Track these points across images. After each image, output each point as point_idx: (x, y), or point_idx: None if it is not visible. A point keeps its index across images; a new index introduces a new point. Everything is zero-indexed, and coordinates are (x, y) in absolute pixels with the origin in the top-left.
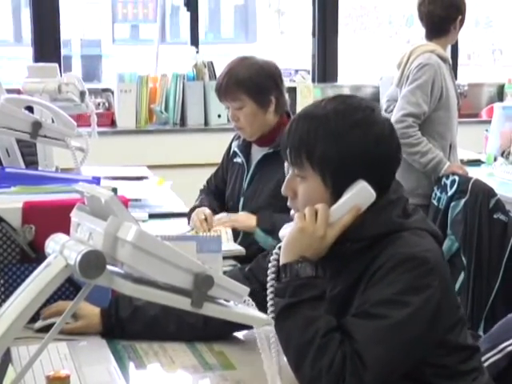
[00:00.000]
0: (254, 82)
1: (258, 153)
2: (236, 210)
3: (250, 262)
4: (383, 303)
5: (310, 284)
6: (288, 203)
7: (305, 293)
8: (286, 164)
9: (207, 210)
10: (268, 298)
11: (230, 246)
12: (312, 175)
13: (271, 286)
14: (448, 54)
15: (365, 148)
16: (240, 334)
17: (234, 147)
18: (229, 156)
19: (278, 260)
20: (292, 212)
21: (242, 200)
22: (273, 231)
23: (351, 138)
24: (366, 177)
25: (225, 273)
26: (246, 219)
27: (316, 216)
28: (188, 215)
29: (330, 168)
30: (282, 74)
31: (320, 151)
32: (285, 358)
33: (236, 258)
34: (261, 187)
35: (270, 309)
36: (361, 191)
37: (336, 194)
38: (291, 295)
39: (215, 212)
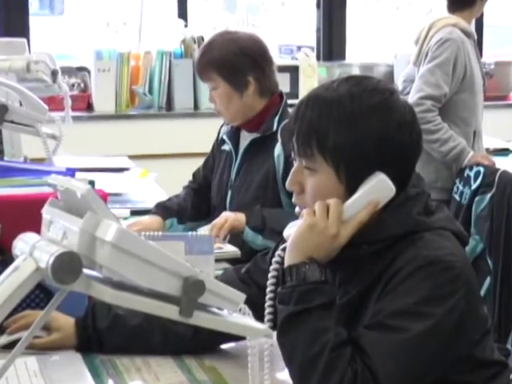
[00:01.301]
0: (226, 62)
1: (246, 140)
2: (223, 205)
3: (243, 264)
4: (401, 314)
5: (319, 290)
6: (293, 199)
7: (313, 300)
8: (275, 149)
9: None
10: (266, 305)
11: (225, 246)
12: (323, 167)
13: (271, 291)
14: (472, 28)
15: (384, 136)
16: (234, 347)
17: (223, 133)
18: (218, 143)
19: (280, 263)
20: (297, 209)
21: (229, 193)
22: (263, 229)
23: (368, 125)
24: (384, 169)
25: (217, 277)
26: (236, 216)
27: (328, 212)
28: (153, 211)
29: (345, 159)
30: (269, 51)
31: (333, 139)
32: (285, 375)
33: (229, 260)
34: (249, 178)
35: (268, 317)
36: (379, 184)
37: (350, 189)
38: (297, 302)
39: (186, 211)
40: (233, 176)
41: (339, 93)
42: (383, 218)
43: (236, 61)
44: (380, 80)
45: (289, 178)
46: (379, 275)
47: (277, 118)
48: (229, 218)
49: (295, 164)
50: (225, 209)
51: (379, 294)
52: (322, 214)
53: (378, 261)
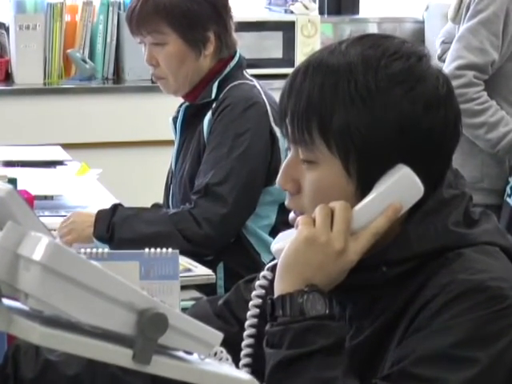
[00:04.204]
0: (183, 10)
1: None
2: (166, 199)
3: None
4: (433, 359)
5: (322, 327)
6: (286, 202)
7: (314, 341)
8: (205, 121)
9: None
10: (243, 344)
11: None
12: (327, 158)
13: (250, 325)
14: None
15: (408, 117)
16: None
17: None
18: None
19: (266, 287)
20: (291, 215)
21: (172, 184)
22: (110, 239)
23: (387, 101)
24: (407, 161)
25: (184, 310)
26: (81, 223)
27: (332, 220)
28: None
29: (356, 146)
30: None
31: (340, 121)
32: None
33: (201, 287)
34: (186, 158)
35: (243, 364)
36: (402, 181)
37: (363, 188)
38: (292, 345)
39: None
40: (173, 160)
41: (349, 58)
42: (408, 230)
43: (196, 9)
44: (405, 41)
45: (280, 174)
46: (403, 307)
47: (216, 83)
48: (72, 224)
49: (289, 155)
50: (168, 205)
51: (403, 333)
52: (324, 223)
53: (401, 288)
